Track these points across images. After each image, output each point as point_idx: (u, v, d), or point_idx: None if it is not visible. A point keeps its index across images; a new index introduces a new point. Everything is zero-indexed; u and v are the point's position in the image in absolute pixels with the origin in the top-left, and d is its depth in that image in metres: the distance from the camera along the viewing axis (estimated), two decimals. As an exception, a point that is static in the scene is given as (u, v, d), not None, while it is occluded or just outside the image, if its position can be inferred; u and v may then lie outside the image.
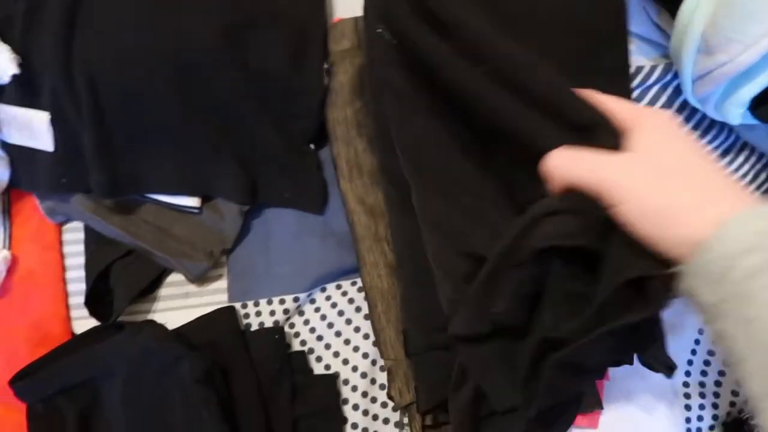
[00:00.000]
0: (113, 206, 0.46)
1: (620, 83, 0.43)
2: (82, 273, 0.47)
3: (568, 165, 0.31)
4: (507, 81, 0.35)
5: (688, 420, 0.45)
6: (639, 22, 0.51)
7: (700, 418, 0.45)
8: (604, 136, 0.33)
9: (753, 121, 0.46)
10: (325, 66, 0.48)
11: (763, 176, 0.50)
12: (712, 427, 0.45)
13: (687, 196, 0.29)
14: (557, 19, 0.42)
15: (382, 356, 0.43)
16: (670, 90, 0.51)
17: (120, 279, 0.46)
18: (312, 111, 0.47)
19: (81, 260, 0.47)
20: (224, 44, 0.44)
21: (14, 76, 0.43)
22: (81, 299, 0.46)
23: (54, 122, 0.44)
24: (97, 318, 0.45)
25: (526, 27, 0.41)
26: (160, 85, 0.43)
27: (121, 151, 0.45)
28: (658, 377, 0.46)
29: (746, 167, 0.50)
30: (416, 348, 0.40)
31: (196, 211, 0.47)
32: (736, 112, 0.45)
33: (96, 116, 0.42)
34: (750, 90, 0.43)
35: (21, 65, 0.43)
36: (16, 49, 0.44)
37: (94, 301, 0.45)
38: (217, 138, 0.46)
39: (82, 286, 0.46)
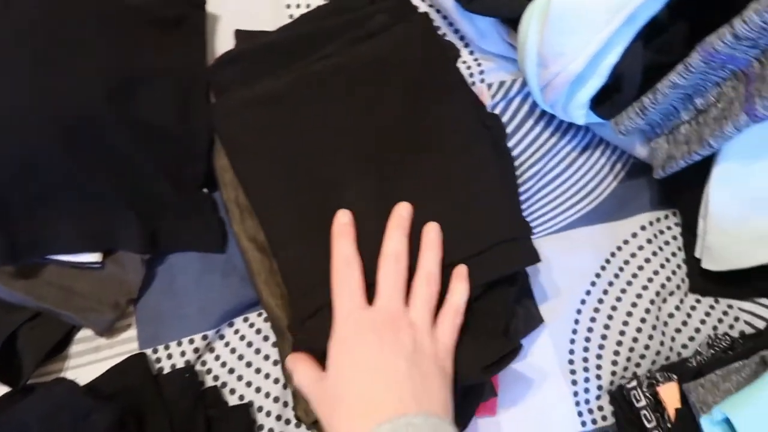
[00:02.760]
0: (14, 272, 0.47)
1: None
2: (-12, 341, 0.48)
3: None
4: None
5: (575, 393, 0.50)
6: (494, 42, 0.57)
7: (586, 390, 0.50)
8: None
9: (599, 120, 0.51)
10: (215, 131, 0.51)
11: (618, 167, 0.56)
12: (598, 397, 0.50)
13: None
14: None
15: (287, 380, 0.46)
16: (530, 100, 0.57)
17: (27, 342, 0.47)
18: (200, 157, 0.50)
19: (-14, 329, 0.48)
20: (109, 101, 0.46)
21: None
22: (-11, 367, 0.46)
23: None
24: (7, 383, 0.46)
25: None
26: (49, 147, 0.45)
27: (18, 216, 0.46)
28: (544, 357, 0.51)
29: (603, 160, 0.56)
30: (307, 311, 0.42)
31: (98, 266, 0.48)
32: (579, 114, 0.50)
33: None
34: (585, 93, 0.48)
35: None
36: None
37: (3, 368, 0.46)
38: (113, 192, 0.48)
39: (-10, 355, 0.47)
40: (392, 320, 0.38)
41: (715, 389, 0.41)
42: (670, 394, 0.46)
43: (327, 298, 0.39)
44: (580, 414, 0.49)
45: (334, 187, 0.42)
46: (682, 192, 0.54)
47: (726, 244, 0.49)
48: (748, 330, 0.52)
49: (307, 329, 0.39)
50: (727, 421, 0.39)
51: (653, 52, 0.46)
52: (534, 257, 0.42)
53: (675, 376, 0.46)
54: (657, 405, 0.47)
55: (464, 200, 0.42)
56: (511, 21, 0.52)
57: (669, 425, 0.45)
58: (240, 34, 0.49)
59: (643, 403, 0.47)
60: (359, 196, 0.41)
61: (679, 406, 0.45)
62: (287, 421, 0.48)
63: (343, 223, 0.42)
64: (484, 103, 0.56)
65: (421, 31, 0.44)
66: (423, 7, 0.58)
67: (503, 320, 0.42)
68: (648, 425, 0.46)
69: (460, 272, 0.41)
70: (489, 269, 0.41)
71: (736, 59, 0.41)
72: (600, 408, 0.50)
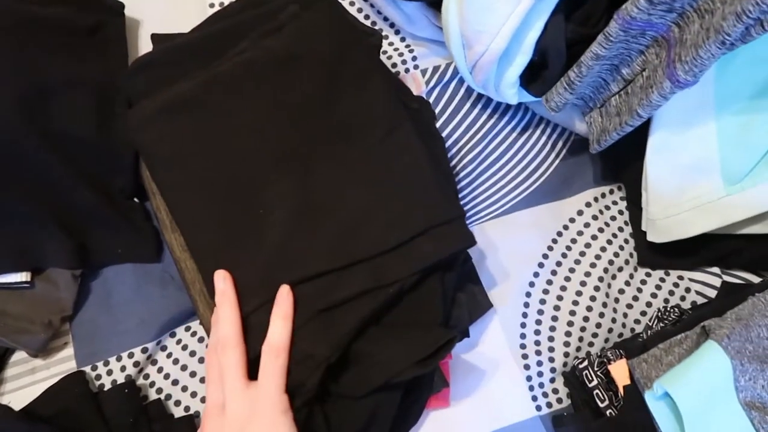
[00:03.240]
0: (-62, 298, 0.46)
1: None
2: None
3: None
4: None
5: (529, 378, 0.49)
6: (423, 27, 0.56)
7: (540, 374, 0.49)
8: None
9: (531, 99, 0.50)
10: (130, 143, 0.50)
11: (559, 144, 0.56)
12: (552, 380, 0.49)
13: None
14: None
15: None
16: (465, 83, 0.56)
17: (-42, 369, 0.45)
18: (127, 168, 0.49)
19: None
20: (21, 115, 0.45)
21: None
22: None
23: None
24: (-61, 413, 0.44)
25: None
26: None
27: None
28: (494, 345, 0.50)
29: (543, 138, 0.56)
30: None
31: (27, 285, 0.47)
32: (510, 93, 0.50)
33: None
34: (513, 71, 0.48)
35: None
36: None
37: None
38: (36, 209, 0.46)
39: None
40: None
41: (659, 364, 0.40)
42: (620, 371, 0.45)
43: (250, 308, 0.38)
44: (534, 398, 0.48)
45: (255, 189, 0.41)
46: (625, 165, 0.53)
47: (667, 215, 0.48)
48: (701, 300, 0.51)
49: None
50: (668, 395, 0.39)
51: (576, 24, 0.45)
52: (468, 239, 0.41)
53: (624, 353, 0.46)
54: (609, 384, 0.46)
55: (389, 187, 0.41)
56: (436, 4, 0.51)
57: (623, 403, 0.44)
58: (157, 38, 0.47)
59: (595, 382, 0.46)
60: (280, 196, 0.40)
61: (629, 383, 0.44)
62: (234, 430, 0.46)
63: (222, 290, 0.40)
64: (419, 89, 0.55)
65: (328, 18, 0.43)
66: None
67: (439, 310, 0.41)
68: (601, 405, 0.45)
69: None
70: (423, 255, 0.40)
71: (654, 25, 0.40)
72: (555, 391, 0.49)
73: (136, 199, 0.50)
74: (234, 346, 0.38)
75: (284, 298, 0.39)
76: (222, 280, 0.40)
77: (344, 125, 0.42)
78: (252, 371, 0.39)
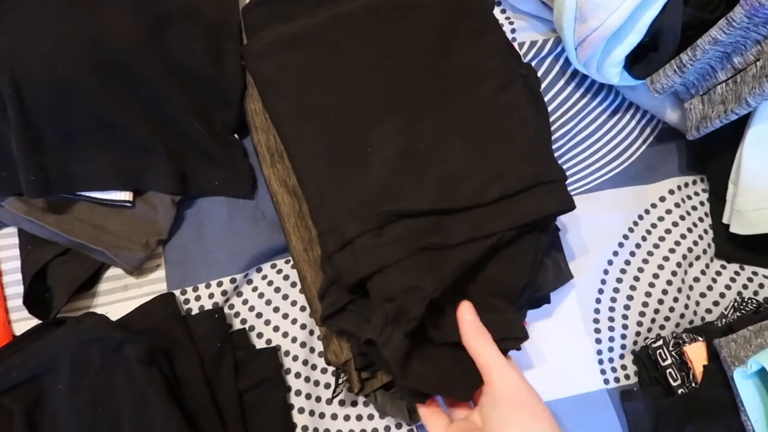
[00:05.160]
0: (46, 207, 0.47)
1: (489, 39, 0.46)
2: (19, 276, 0.48)
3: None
4: None
5: (599, 352, 0.50)
6: (527, 0, 0.56)
7: (610, 349, 0.50)
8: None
9: (632, 81, 0.51)
10: (243, 61, 0.51)
11: (647, 131, 0.56)
12: (622, 356, 0.50)
13: None
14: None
15: (316, 323, 0.46)
16: (561, 60, 0.57)
17: (57, 276, 0.47)
18: (233, 102, 0.50)
19: (17, 264, 0.48)
20: (144, 39, 0.46)
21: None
22: (19, 302, 0.47)
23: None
24: (38, 317, 0.46)
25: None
26: (84, 81, 0.45)
27: (50, 150, 0.46)
28: (568, 316, 0.51)
29: (632, 123, 0.56)
30: (335, 245, 0.40)
31: (129, 204, 0.49)
32: (614, 72, 0.50)
33: (22, 115, 0.43)
34: (622, 50, 0.48)
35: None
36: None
37: (34, 301, 0.46)
38: (145, 132, 0.48)
39: (20, 289, 0.47)
40: None
41: (747, 344, 0.41)
42: (697, 353, 0.46)
43: (354, 233, 0.39)
44: (603, 372, 0.49)
45: (364, 128, 0.42)
46: (711, 157, 0.54)
47: (758, 207, 0.49)
48: (773, 297, 0.52)
49: (334, 263, 0.39)
50: (759, 374, 0.40)
51: (694, 8, 0.46)
52: (569, 203, 0.42)
53: (701, 338, 0.46)
54: (682, 365, 0.47)
55: (497, 141, 0.42)
56: (548, -23, 0.52)
57: (695, 384, 0.45)
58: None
59: (668, 362, 0.47)
60: (388, 138, 0.41)
61: (706, 363, 0.45)
62: (313, 366, 0.48)
63: (469, 321, 0.39)
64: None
65: None
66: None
67: (527, 271, 0.42)
68: (673, 383, 0.46)
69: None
70: (524, 212, 0.41)
71: (781, 14, 0.41)
72: (623, 367, 0.50)
73: (236, 136, 0.51)
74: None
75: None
76: (468, 311, 0.40)
77: (458, 77, 0.43)
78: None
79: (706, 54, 0.45)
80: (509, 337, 0.41)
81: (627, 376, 0.50)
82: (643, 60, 0.50)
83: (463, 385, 0.39)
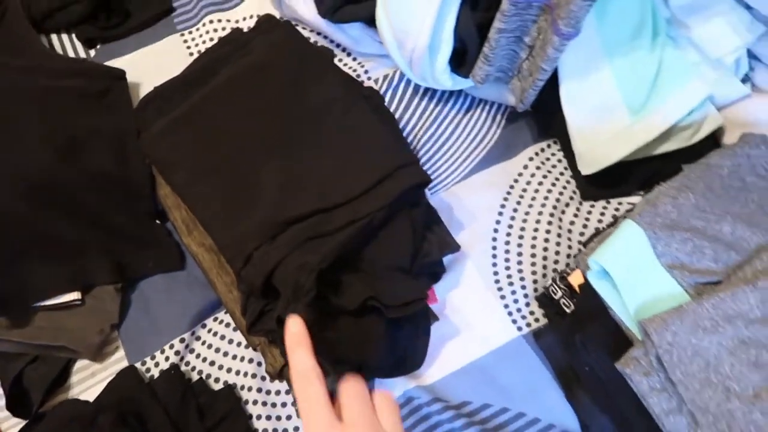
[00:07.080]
0: (9, 323, 0.55)
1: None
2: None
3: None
4: None
5: (506, 306, 0.57)
6: (369, 44, 0.68)
7: (515, 301, 0.57)
8: None
9: (464, 82, 0.61)
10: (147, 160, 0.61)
11: (498, 117, 0.66)
12: (527, 304, 0.57)
13: None
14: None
15: (252, 347, 0.53)
16: (411, 83, 0.67)
17: (32, 379, 0.54)
18: (146, 193, 0.60)
19: (-4, 381, 0.55)
20: (60, 161, 0.56)
21: None
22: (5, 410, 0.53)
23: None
24: (21, 417, 0.53)
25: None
26: (14, 206, 0.54)
27: (1, 271, 0.54)
28: (471, 285, 0.58)
29: (484, 115, 0.66)
30: (240, 263, 0.48)
31: (79, 302, 0.57)
32: (445, 77, 0.61)
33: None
34: (442, 59, 0.59)
35: None
36: None
37: (16, 405, 0.53)
38: (80, 236, 0.56)
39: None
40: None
41: (592, 252, 0.49)
42: (576, 278, 0.53)
43: (252, 247, 0.47)
44: (514, 321, 0.57)
45: (250, 172, 0.51)
46: (553, 121, 0.63)
47: (589, 149, 0.58)
48: (640, 218, 0.60)
49: (243, 277, 0.47)
50: (606, 273, 0.47)
51: (482, 11, 0.57)
52: (424, 176, 0.51)
53: (578, 266, 0.54)
54: (572, 293, 0.54)
55: (356, 148, 0.51)
56: (374, 22, 0.63)
57: (582, 303, 0.52)
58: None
59: (559, 294, 0.54)
60: (271, 173, 0.51)
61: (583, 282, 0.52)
62: (267, 392, 0.55)
63: (293, 333, 0.41)
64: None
65: (288, 35, 0.55)
66: (300, 29, 0.70)
67: (410, 244, 0.50)
68: (567, 311, 0.54)
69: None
70: (389, 191, 0.49)
71: (534, -4, 0.52)
72: (531, 313, 0.57)
73: (158, 221, 0.60)
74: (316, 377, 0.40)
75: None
76: (294, 324, 0.42)
77: (311, 111, 0.53)
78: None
79: (499, 42, 0.55)
80: (413, 300, 0.48)
81: (537, 320, 0.57)
82: (464, 62, 0.60)
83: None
